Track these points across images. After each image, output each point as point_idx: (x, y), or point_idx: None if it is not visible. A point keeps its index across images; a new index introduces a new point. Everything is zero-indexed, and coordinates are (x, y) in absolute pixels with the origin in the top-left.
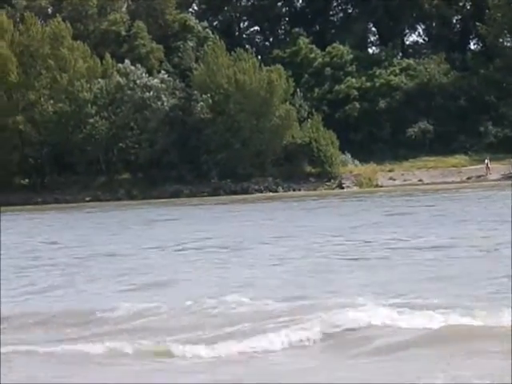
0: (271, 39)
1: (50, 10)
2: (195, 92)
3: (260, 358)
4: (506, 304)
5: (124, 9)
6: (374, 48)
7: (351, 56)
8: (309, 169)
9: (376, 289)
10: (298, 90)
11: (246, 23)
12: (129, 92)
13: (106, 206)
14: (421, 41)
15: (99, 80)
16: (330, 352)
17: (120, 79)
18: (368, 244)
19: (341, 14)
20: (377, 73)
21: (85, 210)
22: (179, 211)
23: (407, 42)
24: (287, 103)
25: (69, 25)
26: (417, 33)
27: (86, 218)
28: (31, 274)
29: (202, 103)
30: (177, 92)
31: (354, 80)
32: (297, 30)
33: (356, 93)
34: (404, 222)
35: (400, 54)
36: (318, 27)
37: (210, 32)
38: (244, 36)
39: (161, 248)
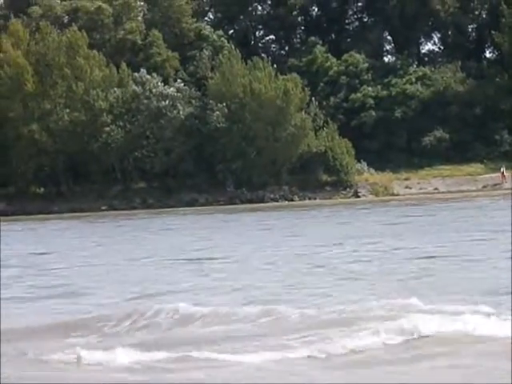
0: (287, 48)
1: (65, 19)
2: (211, 101)
3: None
4: None
5: (140, 18)
6: (389, 56)
7: (366, 64)
8: (324, 177)
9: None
10: (313, 98)
11: (261, 32)
12: (145, 101)
13: (120, 215)
14: (436, 49)
15: (115, 89)
16: None
17: (136, 88)
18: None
19: (356, 23)
20: (392, 81)
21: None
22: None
23: (423, 51)
24: (303, 112)
25: (85, 34)
26: (432, 41)
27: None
28: None
29: (217, 112)
30: (193, 101)
31: (370, 89)
32: (313, 38)
33: (372, 101)
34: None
35: (416, 62)
36: (333, 36)
37: (226, 41)
38: (259, 45)
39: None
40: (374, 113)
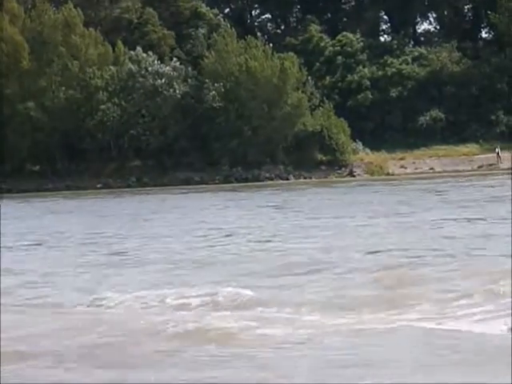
0: (283, 27)
1: None
2: (206, 80)
3: None
4: None
5: None
6: (385, 36)
7: (362, 44)
8: (320, 157)
9: None
10: (309, 77)
11: (257, 11)
12: (140, 79)
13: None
14: (432, 29)
15: (111, 67)
16: None
17: (132, 66)
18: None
19: (352, 2)
20: (388, 61)
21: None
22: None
23: (419, 31)
24: (299, 91)
25: (80, 12)
26: (428, 21)
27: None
28: None
29: (213, 92)
30: (188, 79)
31: (365, 69)
32: (307, 17)
33: (368, 82)
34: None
35: (412, 42)
36: (329, 15)
37: (222, 19)
38: (256, 24)
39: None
40: (370, 94)
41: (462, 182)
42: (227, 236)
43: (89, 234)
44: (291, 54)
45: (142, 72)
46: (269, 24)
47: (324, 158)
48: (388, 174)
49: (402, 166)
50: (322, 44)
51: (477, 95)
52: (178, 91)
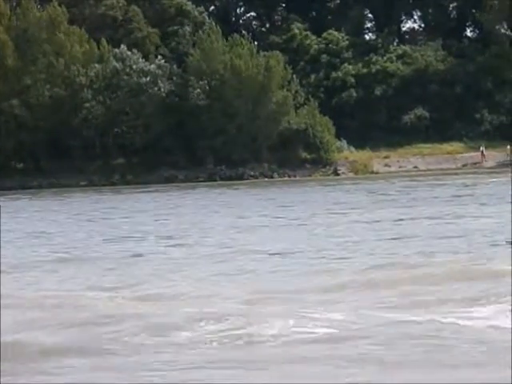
0: (268, 25)
1: None
2: (191, 78)
3: None
4: None
5: None
6: (370, 34)
7: (347, 42)
8: (304, 155)
9: None
10: (294, 76)
11: (242, 9)
12: (125, 77)
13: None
14: (417, 27)
15: (95, 65)
16: None
17: (116, 64)
18: None
19: (337, 1)
20: (373, 59)
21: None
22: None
23: (404, 29)
24: (284, 89)
25: (65, 9)
26: (413, 19)
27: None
28: None
29: (198, 90)
30: (173, 77)
31: (350, 67)
32: (292, 15)
33: (352, 80)
34: None
35: (396, 40)
36: (314, 13)
37: (207, 17)
38: (241, 22)
39: None
40: (354, 92)
41: (437, 181)
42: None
43: None
44: (276, 52)
45: (127, 70)
46: (254, 22)
47: (308, 157)
48: (372, 172)
49: (386, 165)
50: (308, 42)
51: (461, 94)
52: (162, 89)
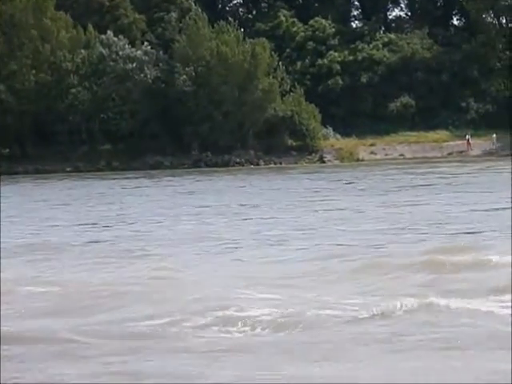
0: (254, 12)
1: None
2: (178, 64)
3: None
4: None
5: None
6: (356, 22)
7: (333, 30)
8: (290, 142)
9: None
10: (280, 63)
11: None
12: (111, 63)
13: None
14: (404, 15)
15: (82, 51)
16: None
17: (102, 50)
18: None
19: None
20: (359, 47)
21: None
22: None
23: (390, 17)
24: (270, 76)
25: None
26: (400, 7)
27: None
28: None
29: (184, 76)
30: (160, 64)
31: (336, 54)
32: (278, 3)
33: (338, 67)
34: None
35: (383, 28)
36: (300, 0)
37: (193, 4)
38: (227, 8)
39: None
40: (340, 80)
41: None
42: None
43: None
44: (262, 39)
45: (113, 56)
46: (240, 9)
47: (294, 144)
48: (358, 159)
49: (372, 152)
50: (294, 29)
51: (447, 82)
52: (148, 75)
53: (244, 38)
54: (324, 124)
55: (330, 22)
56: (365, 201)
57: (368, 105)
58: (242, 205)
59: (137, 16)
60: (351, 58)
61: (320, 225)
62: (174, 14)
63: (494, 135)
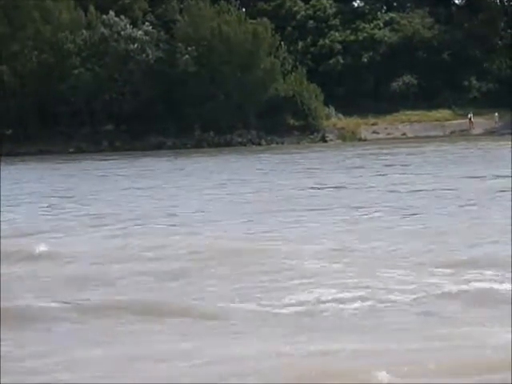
0: None
1: None
2: (179, 44)
3: None
4: None
5: None
6: (358, 1)
7: (335, 9)
8: (292, 122)
9: None
10: (281, 43)
11: None
12: (113, 44)
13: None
14: None
15: (83, 31)
16: None
17: (104, 30)
18: None
19: None
20: (360, 26)
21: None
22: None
23: None
24: (272, 56)
25: None
26: None
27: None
28: None
29: (186, 56)
30: (161, 44)
31: (337, 34)
32: None
33: (339, 47)
34: None
35: (384, 7)
36: None
37: None
38: None
39: None
40: (341, 59)
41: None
42: None
43: None
44: (264, 19)
45: (115, 36)
46: None
47: (296, 123)
48: (360, 139)
49: (374, 132)
50: (295, 8)
51: (449, 61)
52: (150, 56)
53: (246, 18)
54: (326, 104)
55: (331, 1)
56: None
57: (370, 84)
58: None
59: None
60: (352, 37)
61: None
62: None
63: (496, 114)
